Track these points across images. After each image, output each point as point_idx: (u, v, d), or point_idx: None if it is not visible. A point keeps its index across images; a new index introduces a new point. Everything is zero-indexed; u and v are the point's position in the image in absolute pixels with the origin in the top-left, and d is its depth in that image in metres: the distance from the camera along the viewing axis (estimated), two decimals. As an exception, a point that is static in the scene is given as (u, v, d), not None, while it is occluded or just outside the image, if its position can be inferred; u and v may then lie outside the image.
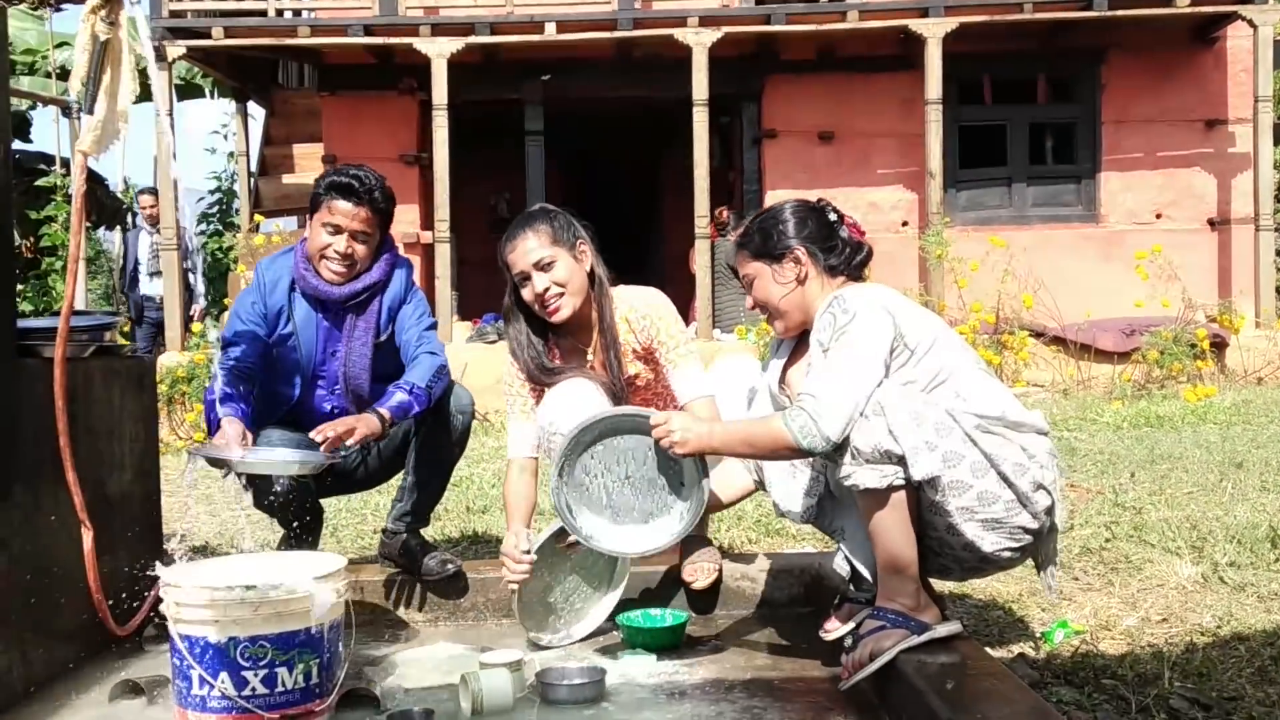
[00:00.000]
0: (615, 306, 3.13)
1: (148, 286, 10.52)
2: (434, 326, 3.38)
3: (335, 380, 3.28)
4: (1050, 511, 2.43)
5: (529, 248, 3.03)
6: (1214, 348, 9.47)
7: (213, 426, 3.03)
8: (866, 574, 2.62)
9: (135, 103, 2.57)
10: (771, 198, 11.15)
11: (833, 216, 2.67)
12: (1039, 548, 2.50)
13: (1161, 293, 9.76)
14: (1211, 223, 10.98)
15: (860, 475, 2.34)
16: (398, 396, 3.11)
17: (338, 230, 3.17)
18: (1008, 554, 2.45)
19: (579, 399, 3.00)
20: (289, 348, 3.27)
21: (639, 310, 3.11)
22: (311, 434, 2.95)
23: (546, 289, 3.01)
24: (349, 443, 2.98)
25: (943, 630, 2.41)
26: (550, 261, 3.02)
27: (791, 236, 2.61)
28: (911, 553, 2.41)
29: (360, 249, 3.21)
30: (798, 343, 2.74)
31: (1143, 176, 11.02)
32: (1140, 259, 9.80)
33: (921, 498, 2.38)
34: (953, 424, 2.34)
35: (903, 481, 2.34)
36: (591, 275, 3.10)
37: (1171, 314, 9.71)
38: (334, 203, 3.17)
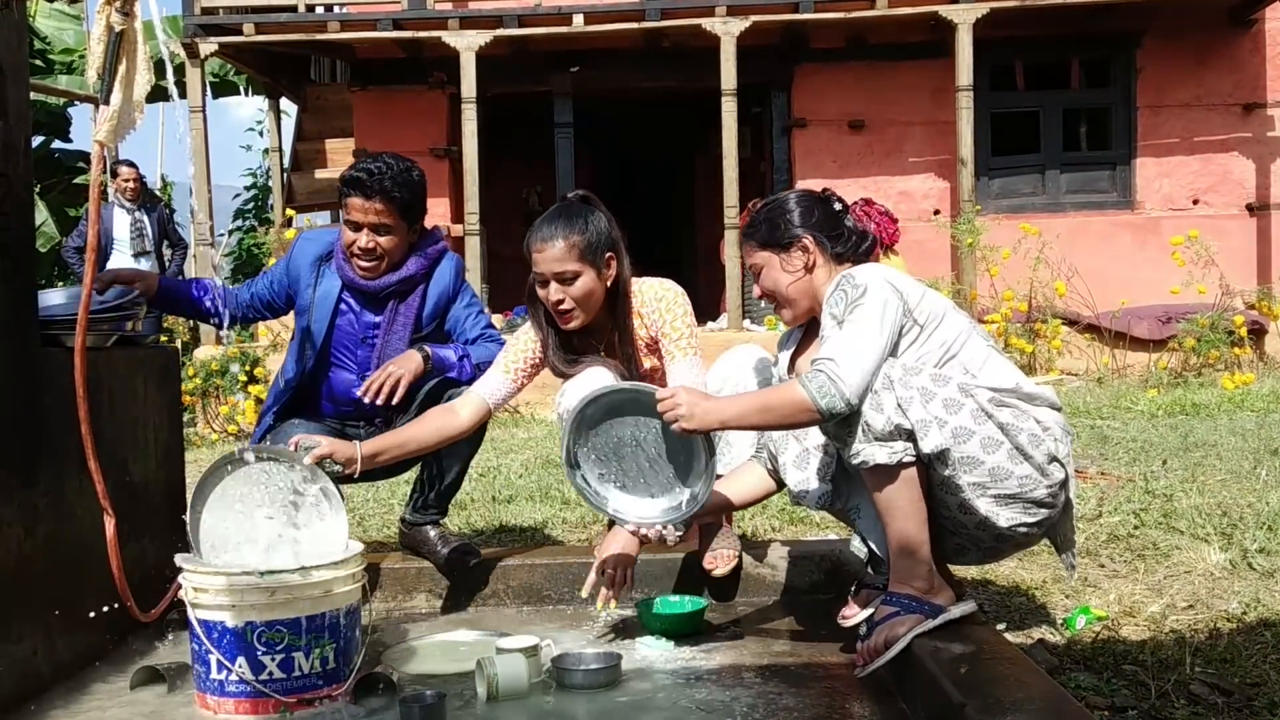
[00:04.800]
0: (631, 302, 3.07)
1: (128, 266, 9.13)
2: (490, 325, 3.42)
3: (368, 367, 3.29)
4: (1065, 486, 2.41)
5: (555, 255, 2.92)
6: (1252, 334, 9.34)
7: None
8: (882, 554, 2.60)
9: (155, 100, 2.60)
10: (802, 187, 11.11)
11: (837, 206, 2.67)
12: (1056, 526, 2.48)
13: (1198, 279, 9.63)
14: (1250, 208, 10.82)
15: (870, 451, 2.33)
16: (447, 351, 3.22)
17: (358, 226, 3.20)
18: (1024, 529, 2.42)
19: (598, 384, 3.00)
20: (304, 320, 3.33)
21: (650, 304, 3.08)
22: (358, 391, 3.10)
23: (561, 300, 2.95)
24: (400, 391, 3.06)
25: (957, 611, 2.39)
26: (573, 276, 2.93)
27: (799, 225, 2.60)
28: (923, 533, 2.39)
29: (384, 241, 3.21)
30: (805, 332, 2.74)
31: (1179, 162, 10.87)
32: (1177, 245, 9.67)
33: (933, 475, 2.37)
34: (964, 399, 2.32)
35: (913, 458, 2.33)
36: (614, 283, 3.01)
37: (1208, 301, 9.58)
38: (349, 199, 3.19)
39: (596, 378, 3.02)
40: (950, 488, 2.37)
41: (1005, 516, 2.38)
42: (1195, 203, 10.87)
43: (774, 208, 2.65)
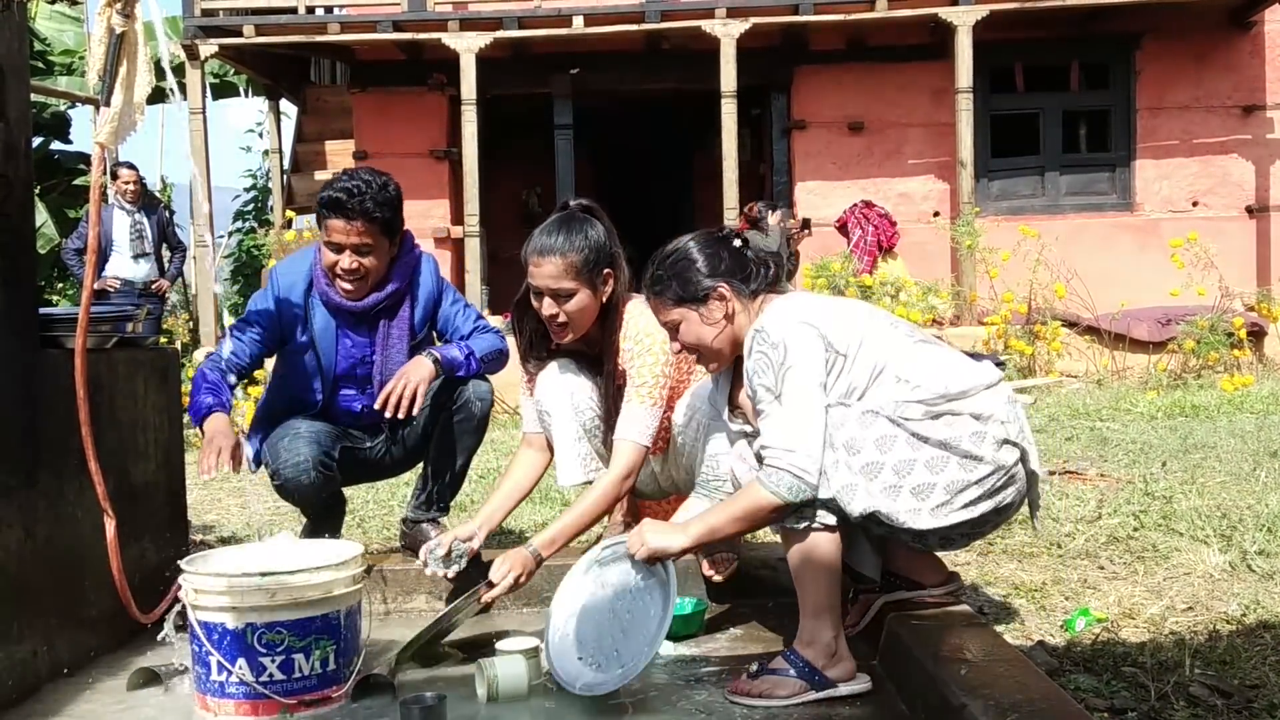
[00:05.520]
0: (622, 318, 3.03)
1: (127, 269, 9.36)
2: (480, 317, 3.43)
3: (370, 384, 3.28)
4: (1024, 459, 2.41)
5: (553, 272, 2.89)
6: (1251, 336, 9.35)
7: (194, 415, 3.04)
8: (863, 570, 2.60)
9: (155, 102, 2.60)
10: (802, 189, 11.13)
11: (737, 243, 2.57)
12: (1027, 496, 2.50)
13: (1198, 281, 9.64)
14: (1250, 210, 10.84)
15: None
16: (453, 351, 3.21)
17: (340, 248, 3.12)
18: (996, 514, 2.43)
19: (565, 380, 3.06)
20: (307, 356, 3.25)
21: (630, 338, 3.02)
22: (376, 405, 3.09)
23: (555, 315, 2.94)
24: (419, 401, 3.08)
25: (844, 690, 2.37)
26: (569, 293, 2.91)
27: (709, 275, 2.50)
28: (833, 598, 2.40)
29: (367, 261, 3.14)
30: (734, 368, 2.67)
31: (1179, 164, 10.89)
32: (1176, 247, 9.68)
33: (879, 529, 2.39)
34: (896, 430, 2.32)
35: (823, 526, 2.35)
36: (609, 298, 2.99)
37: (1208, 303, 9.58)
38: (328, 221, 3.11)
39: (562, 375, 3.06)
40: (912, 532, 2.37)
41: (978, 510, 2.39)
42: (1195, 205, 10.89)
43: (678, 261, 2.53)
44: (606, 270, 2.96)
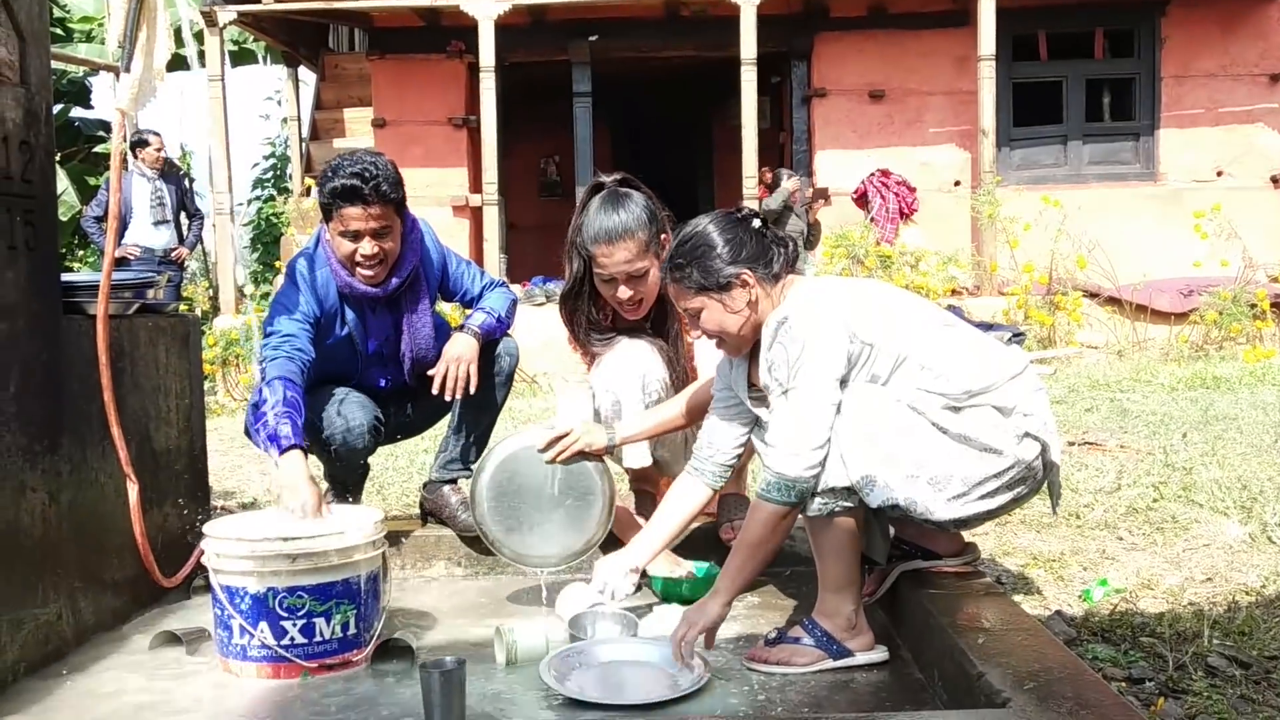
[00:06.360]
0: None
1: (147, 236, 9.32)
2: (485, 273, 3.43)
3: (396, 360, 3.27)
4: (1044, 451, 2.40)
5: (628, 256, 2.93)
6: (1275, 308, 9.26)
7: (271, 441, 2.77)
8: (873, 555, 2.61)
9: (174, 70, 2.60)
10: (821, 158, 11.06)
11: (756, 223, 2.52)
12: (1049, 484, 2.50)
13: (1221, 252, 9.56)
14: (1275, 180, 10.71)
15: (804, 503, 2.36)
16: (480, 317, 3.22)
17: (357, 235, 3.03)
18: (1013, 501, 2.43)
19: (634, 360, 3.03)
20: (340, 346, 3.20)
21: None
22: (434, 389, 3.09)
23: (632, 296, 2.99)
24: (473, 379, 3.11)
25: (862, 659, 2.40)
26: (644, 272, 2.97)
27: (731, 263, 2.45)
28: (854, 574, 2.42)
29: (387, 244, 3.07)
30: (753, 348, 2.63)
31: (1203, 133, 10.76)
32: (1199, 218, 9.58)
33: (897, 513, 2.38)
34: (917, 419, 2.31)
35: (844, 508, 2.35)
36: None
37: (1231, 274, 9.51)
38: (343, 210, 2.99)
39: (634, 351, 3.02)
40: (929, 518, 2.37)
41: (996, 502, 2.38)
42: (1219, 174, 10.77)
43: (698, 247, 2.47)
44: (663, 236, 2.99)
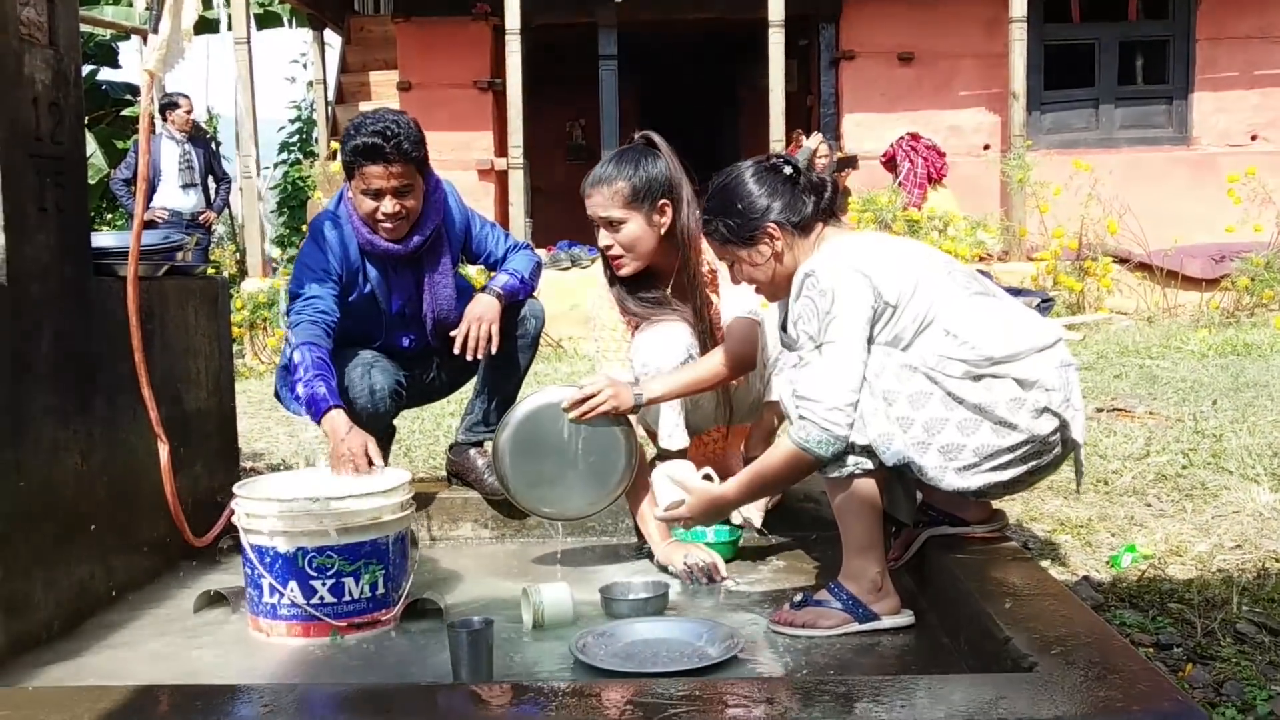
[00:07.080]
0: (700, 252, 3.03)
1: (175, 199, 9.40)
2: (509, 235, 3.43)
3: (418, 320, 3.27)
4: (1063, 428, 2.35)
5: (600, 201, 2.94)
6: (1309, 274, 9.14)
7: (310, 404, 2.84)
8: (898, 515, 2.60)
9: (200, 33, 2.58)
10: (849, 121, 10.97)
11: (788, 170, 2.51)
12: (1073, 463, 2.47)
13: (1254, 218, 9.43)
14: (1311, 144, 10.55)
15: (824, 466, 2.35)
16: (503, 279, 3.23)
17: (379, 194, 3.03)
18: (1029, 476, 2.40)
19: (669, 340, 3.01)
20: (364, 304, 3.21)
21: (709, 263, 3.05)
22: (455, 349, 3.10)
23: (609, 246, 2.98)
24: (495, 340, 3.12)
25: (888, 623, 2.39)
26: (619, 221, 2.94)
27: (757, 216, 2.46)
28: (877, 536, 2.40)
29: (409, 203, 3.07)
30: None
31: (1238, 96, 10.60)
32: (1233, 182, 9.45)
33: (911, 473, 2.37)
34: (932, 388, 2.29)
35: (864, 470, 2.34)
36: (675, 231, 2.98)
37: (1264, 239, 9.38)
38: (364, 169, 3.00)
39: (670, 331, 3.01)
40: (937, 482, 2.35)
41: (1009, 474, 2.35)
42: (1254, 139, 10.62)
43: (726, 199, 2.50)
44: (663, 201, 2.95)
